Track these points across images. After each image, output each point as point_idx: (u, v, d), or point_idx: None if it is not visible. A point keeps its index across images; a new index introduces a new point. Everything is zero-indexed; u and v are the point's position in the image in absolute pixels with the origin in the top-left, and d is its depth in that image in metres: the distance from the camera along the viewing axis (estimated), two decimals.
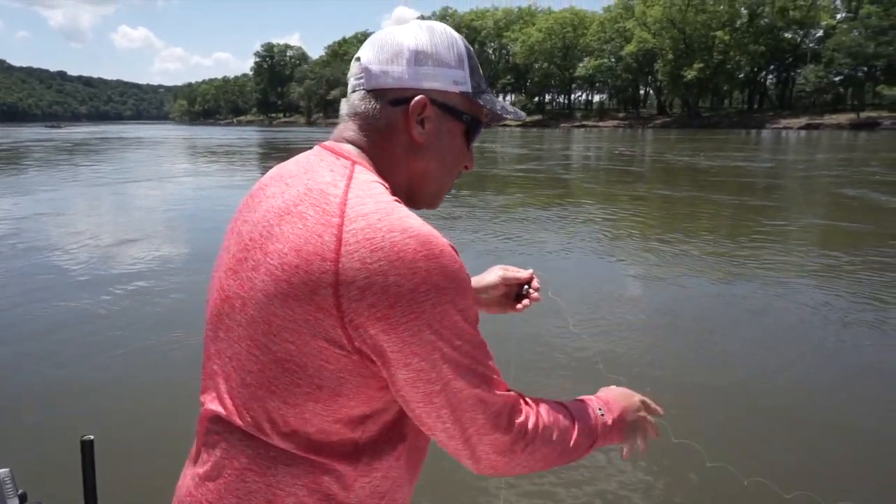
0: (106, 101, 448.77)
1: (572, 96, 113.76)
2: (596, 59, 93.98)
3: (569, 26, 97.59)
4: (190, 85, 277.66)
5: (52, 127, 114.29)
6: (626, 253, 8.25)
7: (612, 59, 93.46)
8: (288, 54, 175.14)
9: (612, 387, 1.15)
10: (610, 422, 1.05)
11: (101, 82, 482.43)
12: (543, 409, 0.95)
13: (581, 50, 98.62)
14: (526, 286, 1.37)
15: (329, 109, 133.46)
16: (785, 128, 65.47)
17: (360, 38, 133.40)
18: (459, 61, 0.95)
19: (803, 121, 66.22)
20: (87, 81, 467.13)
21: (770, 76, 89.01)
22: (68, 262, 7.53)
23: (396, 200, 0.86)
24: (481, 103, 0.98)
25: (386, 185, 0.90)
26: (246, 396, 0.85)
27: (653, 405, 1.15)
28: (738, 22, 78.95)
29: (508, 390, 0.90)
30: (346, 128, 0.96)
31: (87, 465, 1.26)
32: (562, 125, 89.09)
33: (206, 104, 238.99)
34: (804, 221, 10.86)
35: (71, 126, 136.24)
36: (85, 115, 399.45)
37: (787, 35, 79.35)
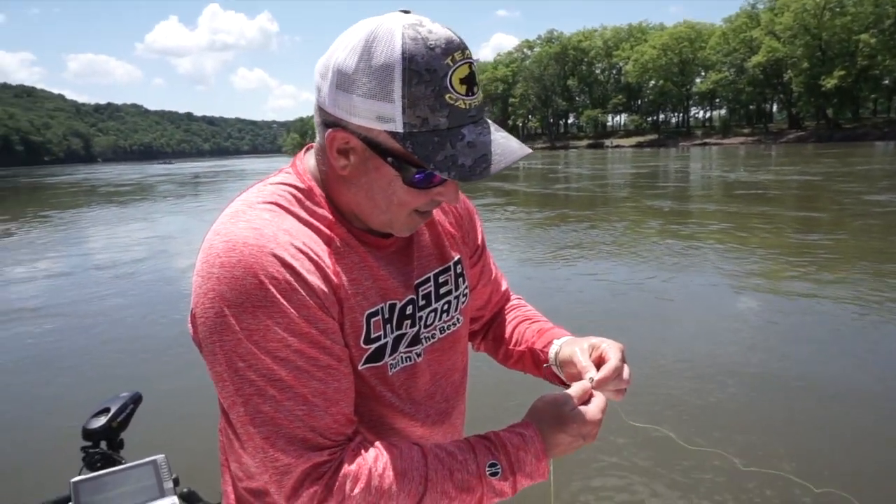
0: (226, 138, 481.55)
1: (689, 113, 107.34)
2: (717, 73, 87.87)
3: (685, 41, 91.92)
4: (301, 119, 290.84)
5: (166, 163, 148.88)
6: None
7: (734, 72, 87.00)
8: None
9: (539, 408, 0.85)
10: (508, 488, 0.78)
11: (222, 120, 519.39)
12: (367, 480, 0.73)
13: (699, 64, 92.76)
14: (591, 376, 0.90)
15: None
16: None
17: None
18: (387, 92, 0.71)
19: None
20: (210, 121, 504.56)
21: None
22: None
23: (275, 204, 0.80)
24: (409, 150, 0.73)
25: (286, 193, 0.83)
26: None
27: (598, 405, 0.85)
28: (887, 22, 70.74)
29: (315, 447, 0.73)
30: None
31: None
32: (681, 143, 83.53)
33: None
34: None
35: (181, 162, 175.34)
36: (208, 151, 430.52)
37: None
